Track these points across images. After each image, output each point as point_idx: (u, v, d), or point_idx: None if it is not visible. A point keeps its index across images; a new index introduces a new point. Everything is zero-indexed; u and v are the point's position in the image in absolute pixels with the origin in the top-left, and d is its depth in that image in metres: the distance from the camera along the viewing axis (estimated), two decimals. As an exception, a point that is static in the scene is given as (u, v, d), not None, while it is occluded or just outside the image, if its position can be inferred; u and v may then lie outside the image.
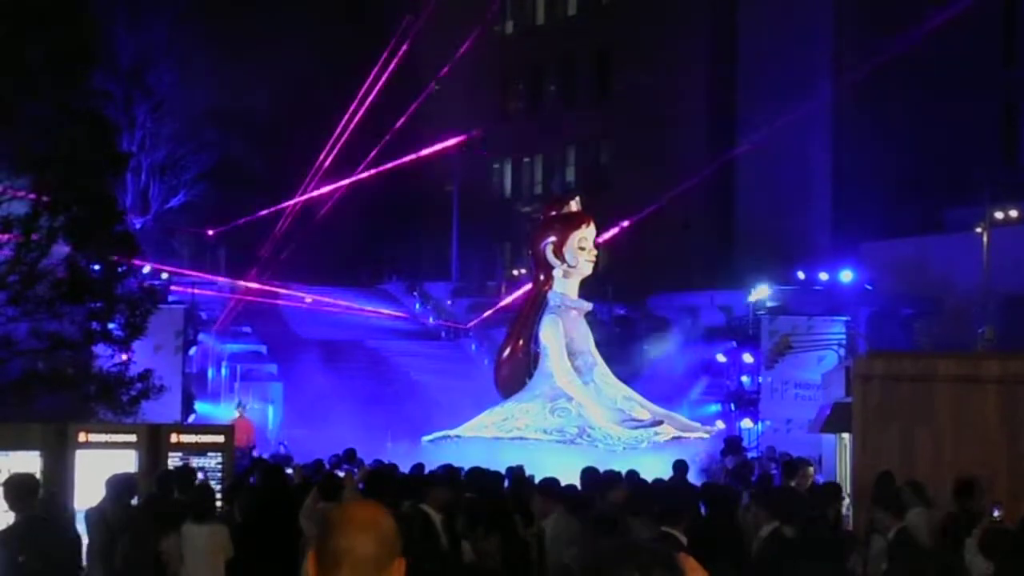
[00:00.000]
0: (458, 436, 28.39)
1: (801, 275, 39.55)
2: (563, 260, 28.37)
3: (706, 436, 27.50)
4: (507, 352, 29.42)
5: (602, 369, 29.03)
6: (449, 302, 54.63)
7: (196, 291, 43.03)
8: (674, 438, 26.86)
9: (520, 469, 19.28)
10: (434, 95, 54.71)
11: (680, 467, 18.99)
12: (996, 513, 14.16)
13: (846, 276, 37.66)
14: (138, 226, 41.37)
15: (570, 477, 16.55)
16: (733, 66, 51.09)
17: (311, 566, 4.21)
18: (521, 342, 28.98)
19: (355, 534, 4.16)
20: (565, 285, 28.66)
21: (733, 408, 36.27)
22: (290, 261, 48.58)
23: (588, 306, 29.23)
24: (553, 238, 28.50)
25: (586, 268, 28.74)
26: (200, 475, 17.56)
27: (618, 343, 38.63)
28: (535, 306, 29.00)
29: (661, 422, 27.27)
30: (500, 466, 20.81)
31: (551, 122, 59.15)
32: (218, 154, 47.18)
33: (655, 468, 20.14)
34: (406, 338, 50.41)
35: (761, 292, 37.90)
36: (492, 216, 58.72)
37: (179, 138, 46.11)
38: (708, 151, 51.23)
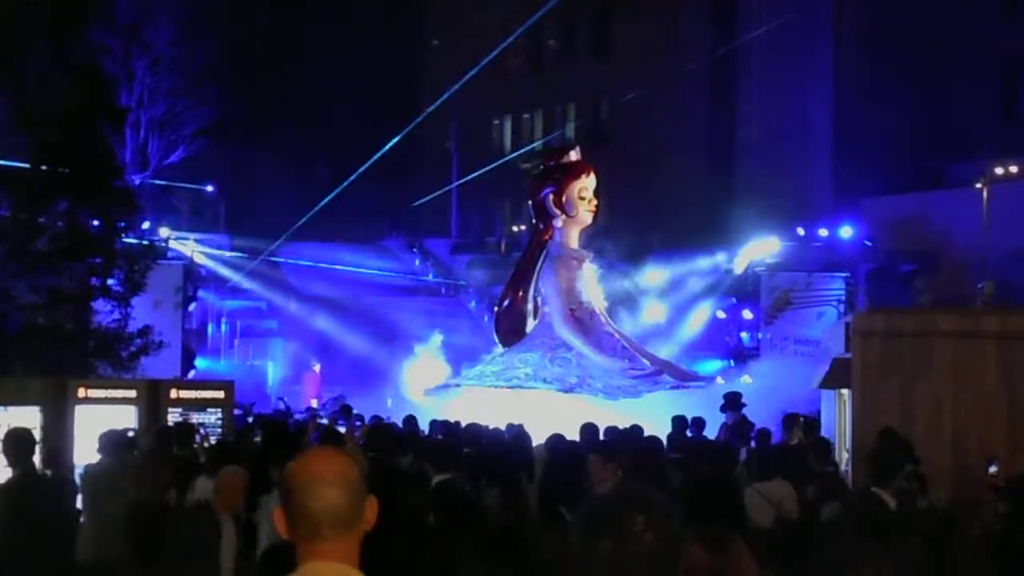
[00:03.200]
0: (458, 385, 28.44)
1: (801, 231, 39.51)
2: (563, 210, 28.32)
3: (705, 387, 27.51)
4: (507, 302, 29.38)
5: (602, 318, 29.01)
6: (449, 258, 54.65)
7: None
8: (673, 387, 26.87)
9: (520, 428, 19.25)
10: (433, 50, 54.55)
11: (678, 422, 18.95)
12: (992, 469, 14.10)
13: (846, 232, 37.62)
14: (137, 182, 41.23)
15: (569, 426, 16.63)
16: (734, 21, 50.89)
17: (280, 523, 4.16)
18: (521, 292, 28.93)
19: (326, 492, 4.09)
20: (565, 235, 28.61)
21: (732, 364, 36.29)
22: (290, 217, 48.48)
23: (588, 255, 29.18)
24: (553, 188, 28.44)
25: (586, 217, 28.67)
26: (201, 431, 17.61)
27: (618, 299, 38.63)
28: (535, 256, 28.96)
29: (661, 371, 27.26)
30: (500, 414, 20.85)
31: (551, 78, 58.98)
32: (217, 110, 47.04)
33: (654, 418, 20.14)
34: (405, 294, 50.40)
35: (767, 246, 37.81)
36: (492, 172, 58.59)
37: (178, 93, 45.90)
38: (708, 107, 51.13)
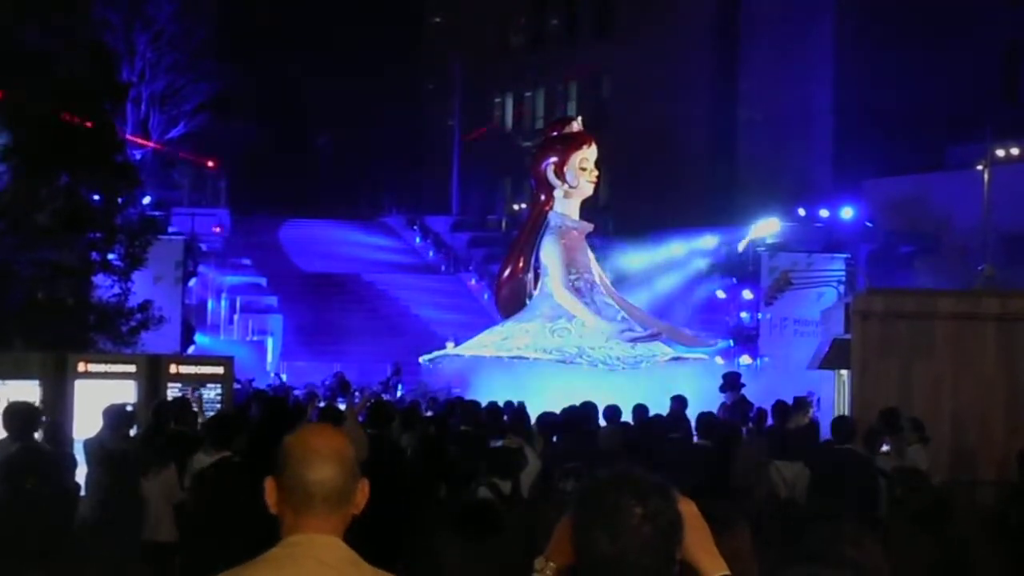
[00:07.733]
0: (457, 355, 28.43)
1: (802, 212, 39.47)
2: (564, 180, 28.20)
3: (705, 357, 27.47)
4: (507, 272, 29.27)
5: (603, 288, 28.95)
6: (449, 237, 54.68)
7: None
8: (674, 358, 26.82)
9: (521, 406, 19.22)
10: (436, 27, 54.43)
11: (679, 401, 18.92)
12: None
13: (847, 213, 37.59)
14: (138, 157, 41.20)
15: (567, 398, 16.68)
16: (736, 2, 50.83)
17: (271, 495, 4.22)
18: (522, 262, 28.83)
19: (323, 466, 4.18)
20: (566, 205, 28.50)
21: (732, 344, 36.28)
22: (291, 193, 48.52)
23: (589, 227, 29.07)
24: (554, 158, 28.32)
25: (587, 188, 28.57)
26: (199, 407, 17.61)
27: (617, 278, 38.59)
28: (536, 226, 28.88)
29: (659, 334, 27.12)
30: (500, 384, 20.83)
31: (553, 56, 58.90)
32: (218, 85, 47.02)
33: (654, 390, 20.15)
34: (406, 271, 50.42)
35: (769, 226, 37.73)
36: (493, 150, 58.56)
37: (179, 68, 45.86)
38: (710, 87, 51.07)
